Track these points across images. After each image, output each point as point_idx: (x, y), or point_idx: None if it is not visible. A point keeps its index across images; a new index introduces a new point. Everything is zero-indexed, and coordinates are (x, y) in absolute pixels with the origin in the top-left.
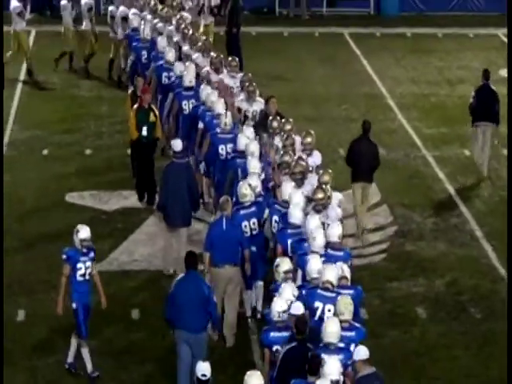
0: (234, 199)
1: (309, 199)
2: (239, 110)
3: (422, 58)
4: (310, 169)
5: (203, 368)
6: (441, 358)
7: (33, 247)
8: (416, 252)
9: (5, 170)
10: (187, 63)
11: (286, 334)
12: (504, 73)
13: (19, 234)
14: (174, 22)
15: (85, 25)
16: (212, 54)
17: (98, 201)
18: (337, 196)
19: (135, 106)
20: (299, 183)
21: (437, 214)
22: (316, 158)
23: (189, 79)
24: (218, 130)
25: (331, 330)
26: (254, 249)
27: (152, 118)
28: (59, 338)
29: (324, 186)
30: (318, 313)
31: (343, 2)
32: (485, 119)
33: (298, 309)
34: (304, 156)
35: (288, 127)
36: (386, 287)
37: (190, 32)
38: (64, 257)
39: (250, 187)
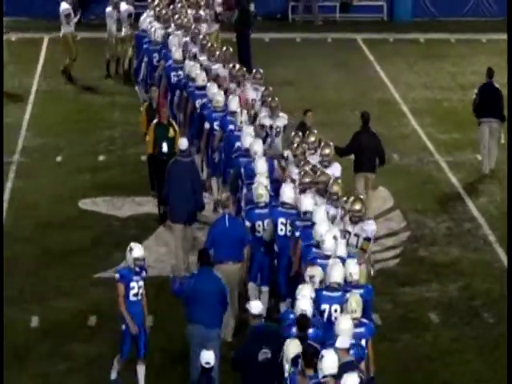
0: (243, 198)
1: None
2: (262, 126)
3: (435, 63)
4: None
5: (207, 356)
6: (453, 363)
7: (46, 254)
8: (429, 257)
9: (18, 176)
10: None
11: None
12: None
13: (32, 240)
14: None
15: (124, 31)
16: (234, 65)
17: (112, 207)
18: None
19: (154, 122)
20: (323, 193)
21: (450, 219)
22: (335, 170)
23: (202, 78)
24: (233, 127)
25: (344, 327)
26: (262, 250)
27: (171, 133)
28: (71, 346)
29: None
30: (326, 315)
31: (356, 7)
32: (488, 115)
33: (256, 307)
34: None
35: (312, 139)
36: (398, 292)
37: (209, 44)
38: (117, 276)
39: (265, 188)
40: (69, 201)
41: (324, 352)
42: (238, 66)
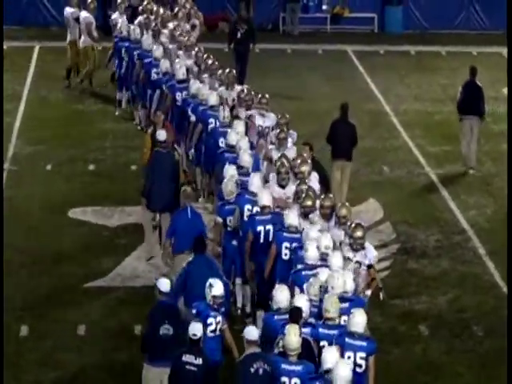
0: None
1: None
2: (270, 159)
3: (426, 75)
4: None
5: (194, 328)
6: (443, 376)
7: (36, 263)
8: (419, 269)
9: (8, 185)
10: (177, 60)
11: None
12: (506, 91)
13: (22, 249)
14: (193, 53)
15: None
16: (242, 89)
17: (101, 217)
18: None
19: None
20: (328, 217)
21: (440, 232)
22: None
23: (182, 72)
24: (217, 123)
25: (357, 321)
26: (234, 243)
27: (176, 156)
28: (62, 354)
29: (359, 223)
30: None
31: (347, 19)
32: (470, 113)
33: (250, 333)
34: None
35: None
36: (388, 304)
37: (211, 62)
38: (194, 312)
39: (236, 184)
40: (59, 210)
41: (327, 347)
42: (246, 90)
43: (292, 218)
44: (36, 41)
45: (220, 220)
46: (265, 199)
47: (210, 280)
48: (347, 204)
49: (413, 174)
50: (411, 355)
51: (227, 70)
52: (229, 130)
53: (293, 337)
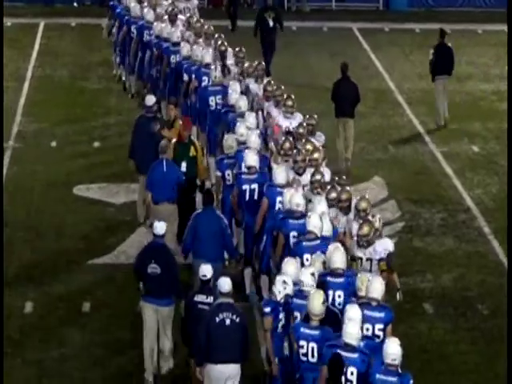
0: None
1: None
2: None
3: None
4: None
5: (204, 270)
6: (448, 354)
7: (40, 239)
8: (423, 247)
9: (13, 162)
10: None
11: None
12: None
13: (27, 225)
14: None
15: None
16: (269, 81)
17: (106, 193)
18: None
19: (173, 141)
20: (346, 211)
21: (445, 210)
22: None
23: (176, 35)
24: (208, 82)
25: (375, 287)
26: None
27: (192, 151)
28: (66, 331)
29: (371, 218)
30: (330, 300)
31: None
32: (442, 73)
33: (223, 286)
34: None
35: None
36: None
37: (240, 54)
38: (267, 310)
39: (236, 140)
40: (63, 187)
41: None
42: (275, 85)
43: (298, 197)
44: (40, 17)
45: (219, 174)
46: (250, 160)
47: (284, 277)
48: (367, 196)
49: (417, 152)
50: (416, 333)
51: (256, 63)
52: (229, 90)
53: (316, 302)
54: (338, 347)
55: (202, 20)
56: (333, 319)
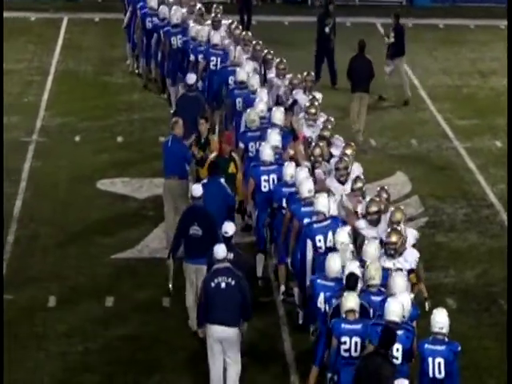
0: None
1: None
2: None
3: (454, 49)
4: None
5: (226, 227)
6: (470, 349)
7: (64, 234)
8: (447, 243)
9: (36, 156)
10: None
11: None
12: None
13: (50, 220)
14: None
15: None
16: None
17: (130, 188)
18: (412, 233)
19: (213, 155)
20: (374, 224)
21: (468, 205)
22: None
23: (176, 17)
24: (227, 63)
25: (398, 282)
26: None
27: (232, 168)
28: (89, 326)
29: (399, 227)
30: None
31: None
32: (401, 54)
33: (218, 253)
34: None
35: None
36: None
37: (282, 66)
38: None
39: (258, 114)
40: (87, 181)
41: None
42: (319, 96)
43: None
44: (64, 12)
45: (242, 146)
46: (273, 139)
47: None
48: (402, 207)
49: (441, 148)
50: None
51: (305, 74)
52: (238, 69)
53: (351, 299)
54: (382, 326)
55: (240, 26)
56: (363, 314)
